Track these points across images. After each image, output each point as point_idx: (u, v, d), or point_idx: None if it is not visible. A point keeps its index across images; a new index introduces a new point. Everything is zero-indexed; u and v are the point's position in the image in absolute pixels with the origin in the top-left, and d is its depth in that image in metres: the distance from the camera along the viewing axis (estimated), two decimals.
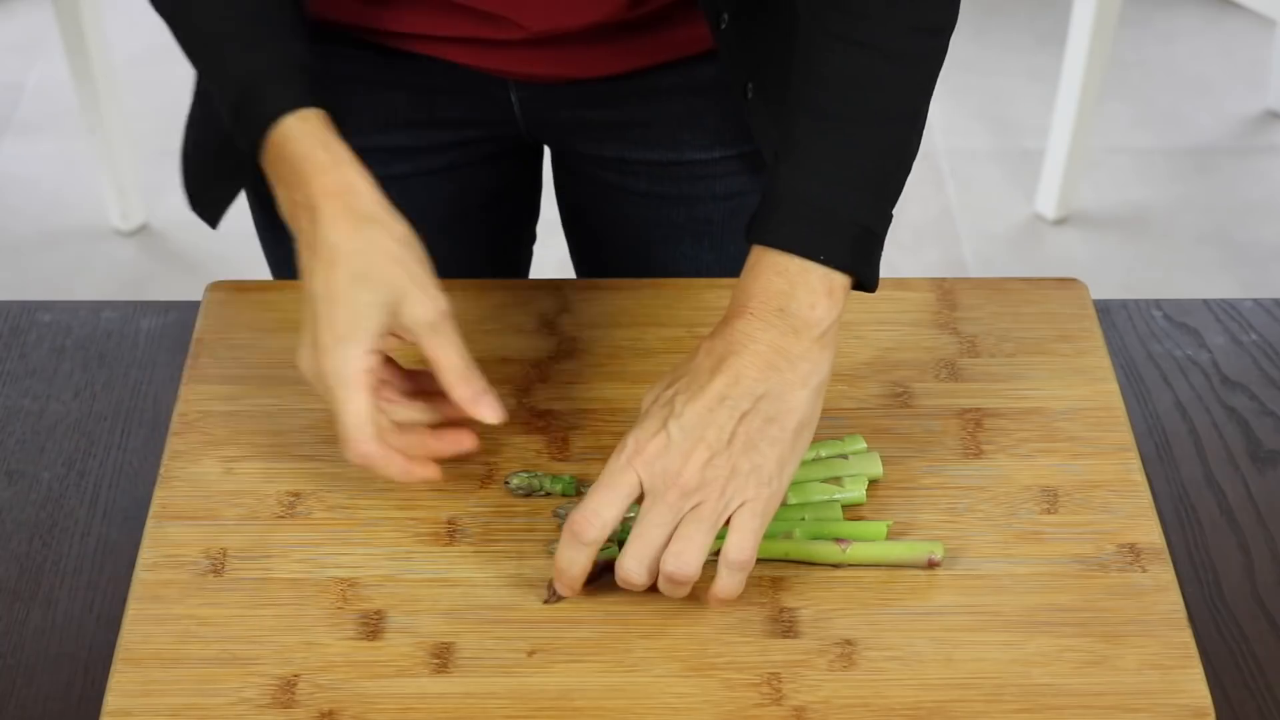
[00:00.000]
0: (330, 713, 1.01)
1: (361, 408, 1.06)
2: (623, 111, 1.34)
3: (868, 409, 1.20)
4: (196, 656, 1.04)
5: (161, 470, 1.16)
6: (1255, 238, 2.92)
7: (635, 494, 1.04)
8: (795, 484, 1.12)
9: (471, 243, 1.44)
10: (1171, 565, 1.11)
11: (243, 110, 1.12)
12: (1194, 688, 1.03)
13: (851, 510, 1.13)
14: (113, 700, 1.02)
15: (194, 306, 1.30)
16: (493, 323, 1.26)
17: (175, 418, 1.19)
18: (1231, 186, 3.02)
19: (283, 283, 1.30)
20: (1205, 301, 1.35)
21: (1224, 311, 1.34)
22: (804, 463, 1.14)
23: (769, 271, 1.07)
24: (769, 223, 1.08)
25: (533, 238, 1.52)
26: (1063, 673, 1.04)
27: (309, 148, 1.10)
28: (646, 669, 1.04)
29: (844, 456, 1.15)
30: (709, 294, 1.29)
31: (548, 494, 1.13)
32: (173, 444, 1.17)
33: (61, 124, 3.16)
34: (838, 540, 1.09)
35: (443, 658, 1.04)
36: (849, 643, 1.05)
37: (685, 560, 1.03)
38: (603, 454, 1.15)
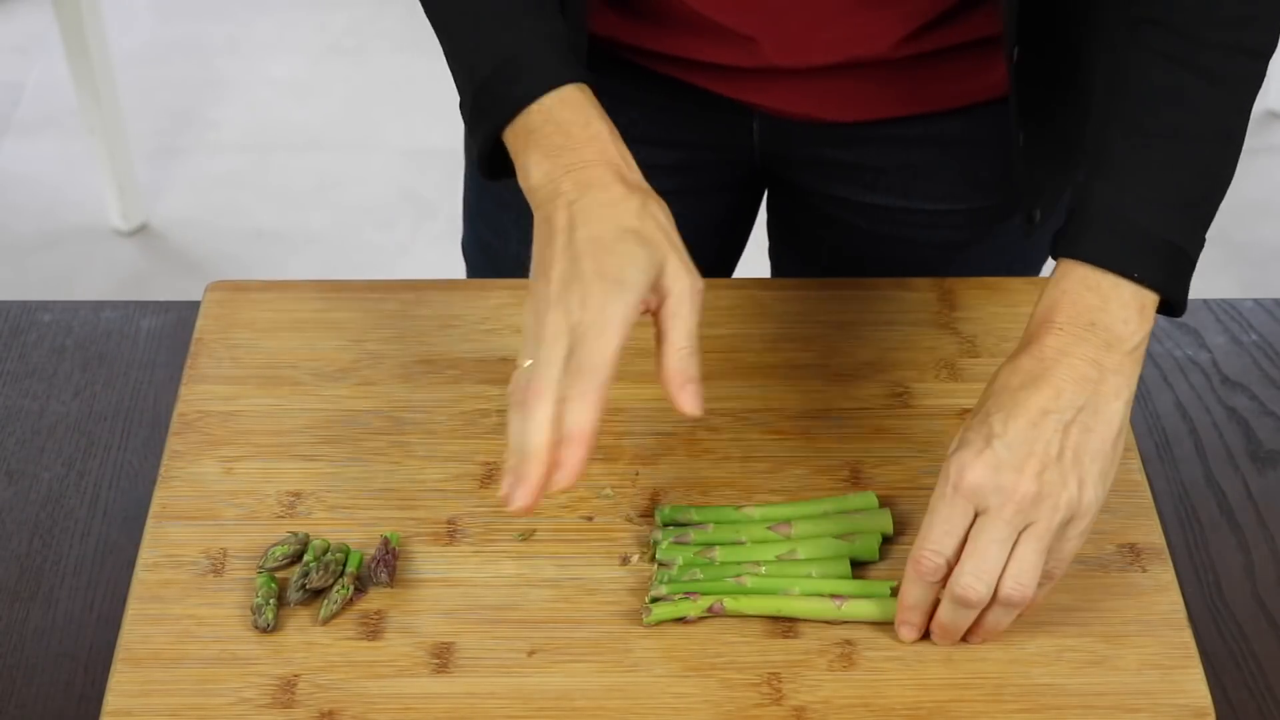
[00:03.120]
0: (330, 713, 1.01)
1: (615, 350, 1.00)
2: (860, 156, 1.34)
3: (868, 409, 1.20)
4: (196, 656, 1.04)
5: (161, 470, 1.16)
6: (1255, 238, 2.91)
7: (969, 520, 1.01)
8: (805, 539, 1.10)
9: None
10: (1171, 565, 1.11)
11: (509, 75, 1.09)
12: (1194, 688, 1.03)
13: (861, 568, 1.10)
14: (113, 700, 1.02)
15: (194, 306, 1.30)
16: (493, 323, 1.26)
17: (175, 418, 1.19)
18: (1232, 186, 3.01)
19: (283, 282, 1.30)
20: (1205, 301, 1.35)
21: (1224, 311, 1.34)
22: (813, 518, 1.12)
23: (1079, 286, 1.05)
24: (1082, 238, 1.05)
25: (733, 268, 1.50)
26: (1063, 673, 1.04)
27: (586, 116, 1.08)
28: (646, 669, 1.04)
29: (855, 513, 1.12)
30: (709, 294, 1.28)
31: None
32: (172, 444, 1.17)
33: (61, 124, 3.16)
34: (833, 596, 1.07)
35: (443, 658, 1.04)
36: (849, 643, 1.05)
37: (1024, 584, 1.01)
38: (603, 454, 1.16)
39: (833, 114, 1.30)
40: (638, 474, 1.16)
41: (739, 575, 1.08)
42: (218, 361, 1.23)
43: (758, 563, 1.08)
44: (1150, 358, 1.30)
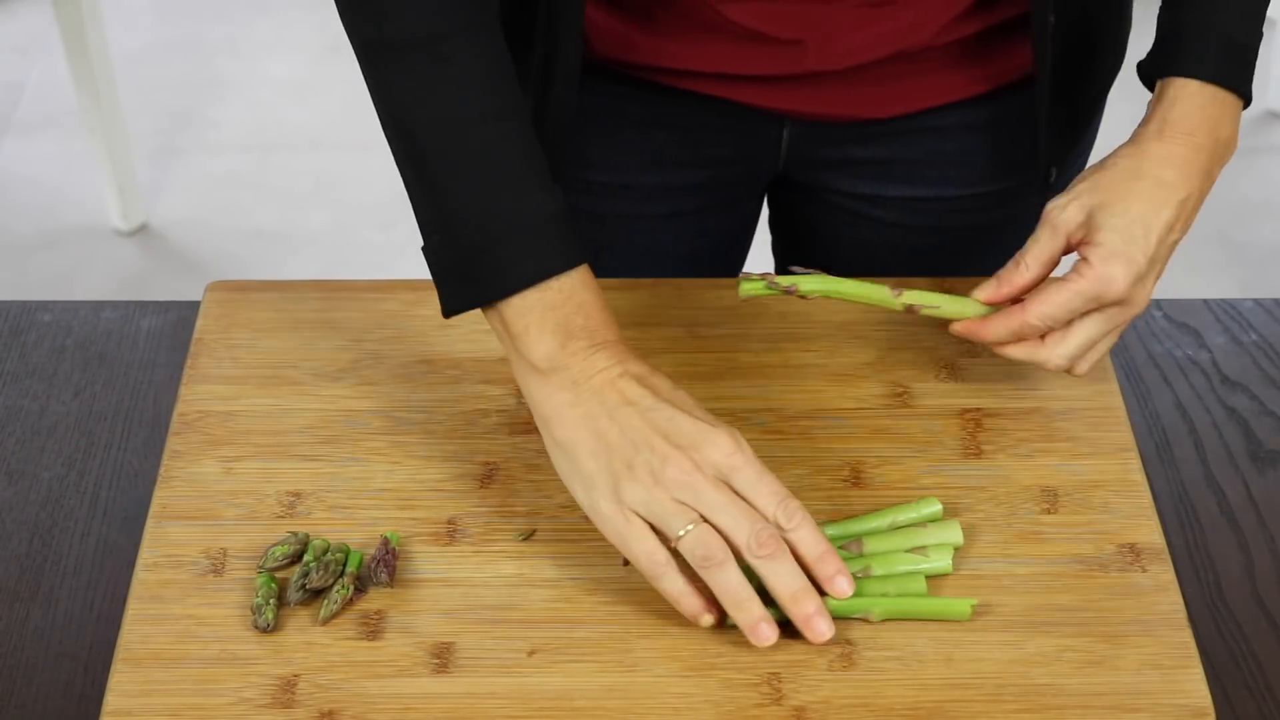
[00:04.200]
0: (330, 713, 1.01)
1: (766, 472, 1.04)
2: (894, 150, 1.34)
3: (868, 409, 1.20)
4: (196, 656, 1.04)
5: (161, 470, 1.16)
6: (1255, 238, 2.91)
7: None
8: (878, 554, 1.09)
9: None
10: (1171, 565, 1.11)
11: (518, 249, 1.07)
12: (1194, 688, 1.03)
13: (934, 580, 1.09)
14: (113, 700, 1.02)
15: (194, 306, 1.30)
16: None
17: (175, 418, 1.19)
18: (1231, 186, 3.01)
19: (283, 283, 1.30)
20: (1205, 301, 1.35)
21: (1224, 311, 1.34)
22: (882, 532, 1.10)
23: (1203, 97, 1.15)
24: (1201, 57, 1.15)
25: (740, 269, 1.51)
26: (1063, 673, 1.04)
27: (600, 297, 1.09)
28: (646, 669, 1.04)
29: (923, 525, 1.11)
30: (709, 294, 1.29)
31: None
32: (172, 444, 1.17)
33: (61, 124, 3.16)
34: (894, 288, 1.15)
35: (443, 658, 1.04)
36: (849, 643, 1.05)
37: (1096, 359, 1.14)
38: None
39: (870, 111, 1.31)
40: None
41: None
42: (218, 361, 1.23)
43: None
44: (1150, 358, 1.30)
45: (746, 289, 1.14)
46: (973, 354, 1.24)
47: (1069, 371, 1.15)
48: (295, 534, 1.10)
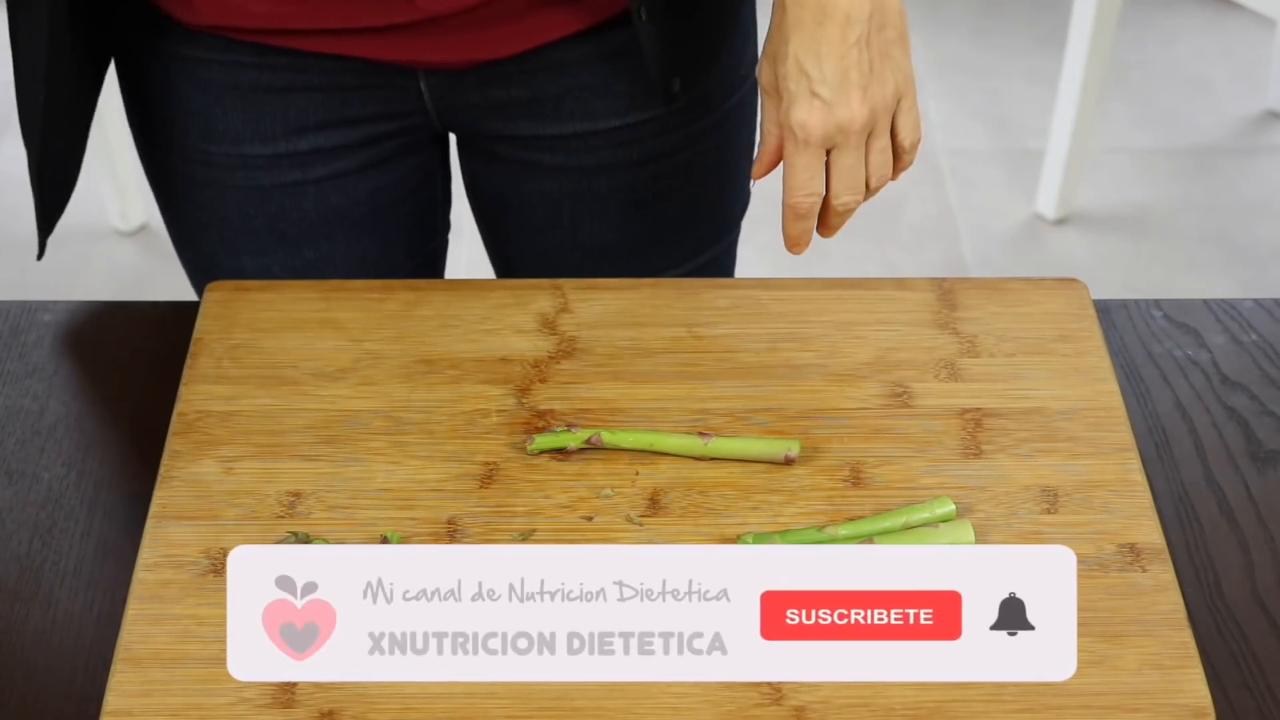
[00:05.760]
0: (330, 713, 1.01)
1: None
2: (533, 88, 1.35)
3: (868, 409, 1.20)
4: (196, 656, 1.04)
5: (161, 470, 1.16)
6: (1255, 238, 2.91)
7: (824, 157, 1.15)
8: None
9: (389, 239, 1.44)
10: (1171, 565, 1.11)
11: None
12: (1194, 688, 1.03)
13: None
14: (113, 700, 1.02)
15: (194, 306, 1.30)
16: (492, 323, 1.26)
17: (175, 418, 1.19)
18: (1231, 186, 3.02)
19: (283, 283, 1.30)
20: (1205, 301, 1.35)
21: (1224, 311, 1.34)
22: (894, 532, 1.11)
23: None
24: None
25: (447, 226, 1.53)
26: None
27: None
28: None
29: (934, 525, 1.12)
30: (709, 293, 1.29)
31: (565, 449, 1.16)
32: (172, 444, 1.17)
33: None
34: (701, 434, 1.15)
35: None
36: None
37: (884, 174, 1.17)
38: (603, 454, 1.16)
39: (488, 52, 1.31)
40: (637, 474, 1.16)
41: None
42: (218, 361, 1.23)
43: None
44: (1150, 358, 1.30)
45: (539, 444, 1.16)
46: (973, 354, 1.24)
47: (875, 189, 1.17)
48: (295, 534, 1.10)
